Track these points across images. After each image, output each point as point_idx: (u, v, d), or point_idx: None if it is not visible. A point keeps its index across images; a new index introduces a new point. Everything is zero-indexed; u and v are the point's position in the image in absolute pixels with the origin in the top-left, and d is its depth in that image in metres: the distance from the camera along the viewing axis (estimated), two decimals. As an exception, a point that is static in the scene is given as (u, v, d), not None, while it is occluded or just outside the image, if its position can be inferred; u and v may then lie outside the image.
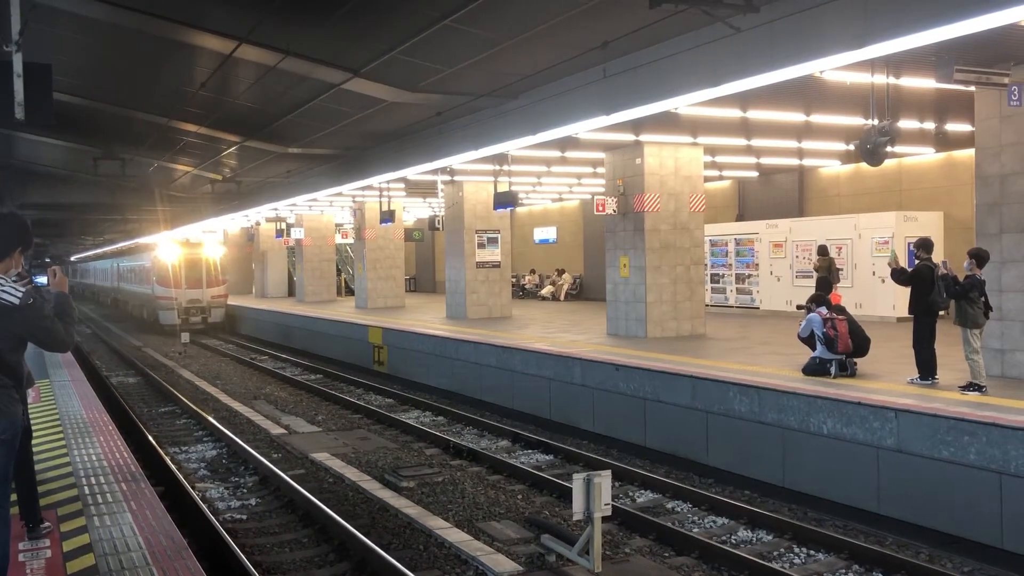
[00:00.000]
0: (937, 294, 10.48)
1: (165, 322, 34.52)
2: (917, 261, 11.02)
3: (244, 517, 9.81)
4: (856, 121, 14.37)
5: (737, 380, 11.31)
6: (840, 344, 11.44)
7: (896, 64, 10.51)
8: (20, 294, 4.88)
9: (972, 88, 11.18)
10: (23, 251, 5.27)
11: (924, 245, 10.94)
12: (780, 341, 15.64)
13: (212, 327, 35.51)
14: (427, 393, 18.23)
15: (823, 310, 11.88)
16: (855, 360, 11.69)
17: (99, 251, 68.48)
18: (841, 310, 12.23)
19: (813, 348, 11.81)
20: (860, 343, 11.75)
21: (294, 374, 22.08)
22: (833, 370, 11.41)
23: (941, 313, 10.86)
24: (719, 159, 20.21)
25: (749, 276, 23.36)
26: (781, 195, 24.37)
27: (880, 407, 9.42)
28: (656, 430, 12.59)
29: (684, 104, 11.50)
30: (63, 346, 5.27)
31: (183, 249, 35.46)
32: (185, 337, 28.83)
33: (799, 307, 13.01)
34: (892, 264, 11.05)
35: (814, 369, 11.53)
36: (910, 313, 10.97)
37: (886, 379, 11.14)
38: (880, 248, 19.42)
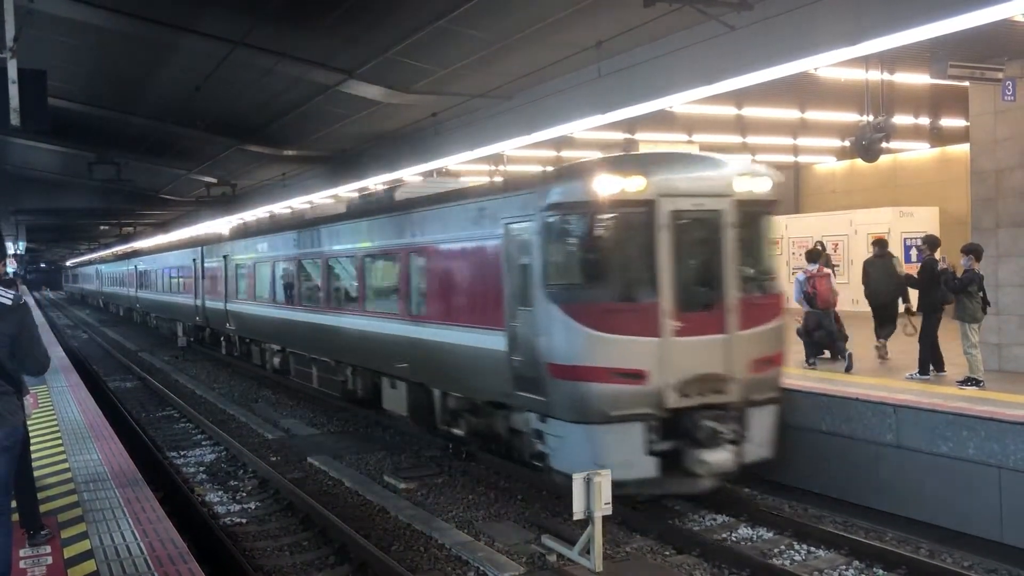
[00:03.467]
0: (941, 288, 10.63)
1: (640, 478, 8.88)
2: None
3: (244, 521, 9.79)
4: (851, 117, 14.41)
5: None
6: (819, 300, 11.92)
7: (890, 60, 10.55)
8: (11, 295, 5.17)
9: (966, 83, 11.21)
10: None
11: (928, 241, 11.32)
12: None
13: (750, 473, 9.70)
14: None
15: (812, 267, 12.25)
16: (851, 353, 11.79)
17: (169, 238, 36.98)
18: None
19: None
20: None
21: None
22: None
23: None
24: (714, 157, 20.22)
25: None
26: (777, 192, 24.39)
27: (878, 403, 9.43)
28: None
29: (679, 102, 11.52)
30: (43, 362, 5.48)
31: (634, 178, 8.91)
32: (182, 341, 28.59)
33: None
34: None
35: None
36: (918, 310, 11.14)
37: (885, 374, 11.16)
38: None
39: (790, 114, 14.30)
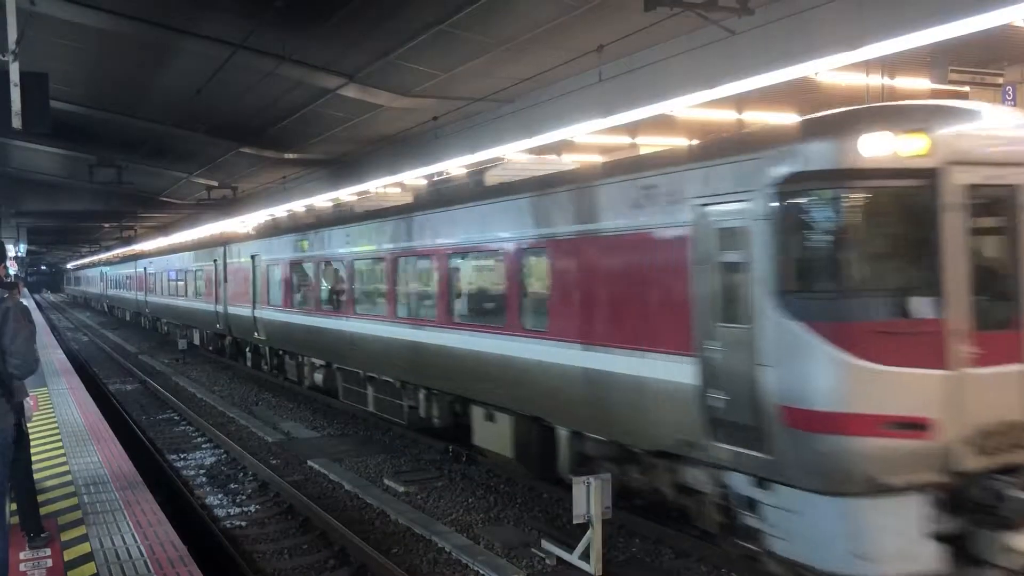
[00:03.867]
0: None
1: None
2: None
3: (244, 524, 9.79)
4: (851, 122, 14.44)
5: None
6: None
7: (891, 65, 10.57)
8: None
9: (966, 88, 11.24)
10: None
11: None
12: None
13: None
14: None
15: None
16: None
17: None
18: None
19: None
20: None
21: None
22: None
23: None
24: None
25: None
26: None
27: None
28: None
29: (680, 107, 11.53)
30: (28, 361, 5.54)
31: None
32: (182, 343, 28.62)
33: None
34: None
35: None
36: None
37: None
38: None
39: (790, 118, 14.35)
